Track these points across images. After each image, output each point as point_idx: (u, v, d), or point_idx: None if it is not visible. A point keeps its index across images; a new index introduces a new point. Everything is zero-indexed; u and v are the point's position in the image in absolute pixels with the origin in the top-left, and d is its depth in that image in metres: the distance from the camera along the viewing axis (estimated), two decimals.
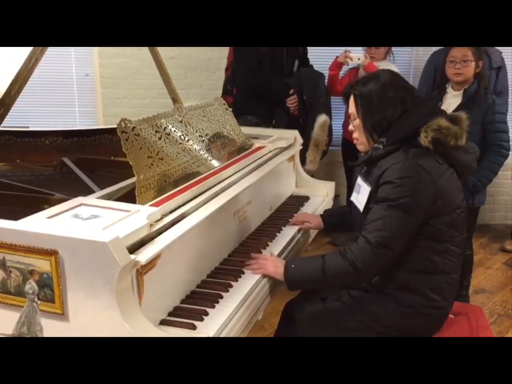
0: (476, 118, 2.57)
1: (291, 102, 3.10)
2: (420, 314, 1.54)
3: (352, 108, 1.65)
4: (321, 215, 2.04)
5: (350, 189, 1.86)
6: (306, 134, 2.89)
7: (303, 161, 2.83)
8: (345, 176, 3.64)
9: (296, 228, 2.01)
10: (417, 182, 1.47)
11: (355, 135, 1.67)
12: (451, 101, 2.69)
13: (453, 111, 2.65)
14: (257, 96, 3.07)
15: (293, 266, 1.59)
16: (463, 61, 2.60)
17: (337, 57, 3.28)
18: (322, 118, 2.95)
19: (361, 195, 1.62)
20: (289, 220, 2.06)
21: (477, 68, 2.63)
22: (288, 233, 1.96)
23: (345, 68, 3.40)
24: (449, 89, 2.73)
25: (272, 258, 1.66)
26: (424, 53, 3.83)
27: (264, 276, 1.59)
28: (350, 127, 1.69)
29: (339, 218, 1.98)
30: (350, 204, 1.72)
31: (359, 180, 1.65)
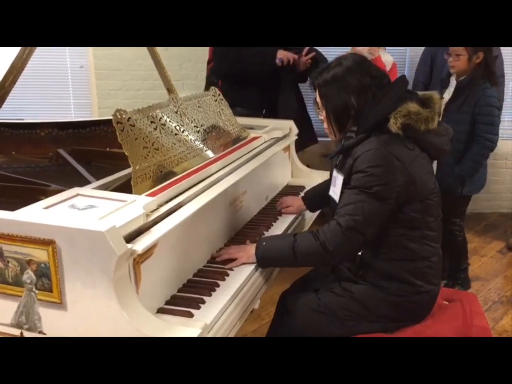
0: (467, 108, 2.72)
1: (305, 59, 2.79)
2: (408, 301, 1.55)
3: (317, 98, 1.63)
4: (302, 197, 2.04)
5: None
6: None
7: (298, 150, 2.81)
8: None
9: (292, 216, 2.02)
10: (388, 171, 1.47)
11: (324, 125, 1.65)
12: (450, 90, 2.83)
13: (447, 101, 2.77)
14: (240, 82, 2.76)
15: (264, 243, 1.59)
16: (455, 55, 2.71)
17: None
18: None
19: (337, 187, 1.61)
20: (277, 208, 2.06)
21: (474, 60, 2.67)
22: (284, 222, 1.97)
23: None
24: (452, 79, 2.86)
25: (239, 247, 1.64)
26: None
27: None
28: (320, 117, 1.66)
29: (321, 196, 1.95)
30: (329, 198, 1.70)
31: (335, 173, 1.64)
